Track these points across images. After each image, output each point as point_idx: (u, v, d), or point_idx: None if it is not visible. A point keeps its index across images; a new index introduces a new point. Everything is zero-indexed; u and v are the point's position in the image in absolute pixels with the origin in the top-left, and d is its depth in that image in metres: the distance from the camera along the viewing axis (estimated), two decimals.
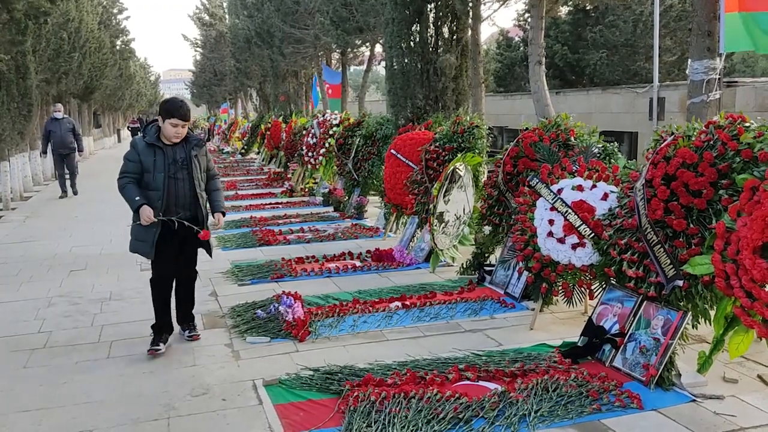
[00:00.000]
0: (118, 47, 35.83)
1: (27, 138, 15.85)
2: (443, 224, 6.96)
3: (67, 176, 14.67)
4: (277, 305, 5.50)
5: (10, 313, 5.96)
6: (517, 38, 25.74)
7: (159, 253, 4.79)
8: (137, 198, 4.65)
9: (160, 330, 4.97)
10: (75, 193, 14.66)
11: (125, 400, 4.09)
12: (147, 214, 4.60)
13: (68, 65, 19.50)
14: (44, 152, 15.35)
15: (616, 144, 5.89)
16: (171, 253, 4.88)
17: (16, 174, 14.82)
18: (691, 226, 4.00)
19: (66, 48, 18.91)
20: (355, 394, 3.87)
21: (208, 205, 5.03)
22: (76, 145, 14.67)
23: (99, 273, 7.39)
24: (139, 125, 42.36)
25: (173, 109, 4.70)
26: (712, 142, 4.10)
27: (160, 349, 4.82)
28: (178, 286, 5.14)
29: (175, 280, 5.08)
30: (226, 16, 42.58)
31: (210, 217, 5.06)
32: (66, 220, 11.17)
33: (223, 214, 5.13)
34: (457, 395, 3.84)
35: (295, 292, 5.72)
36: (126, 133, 47.96)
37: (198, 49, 49.27)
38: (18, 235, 10.08)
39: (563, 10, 22.31)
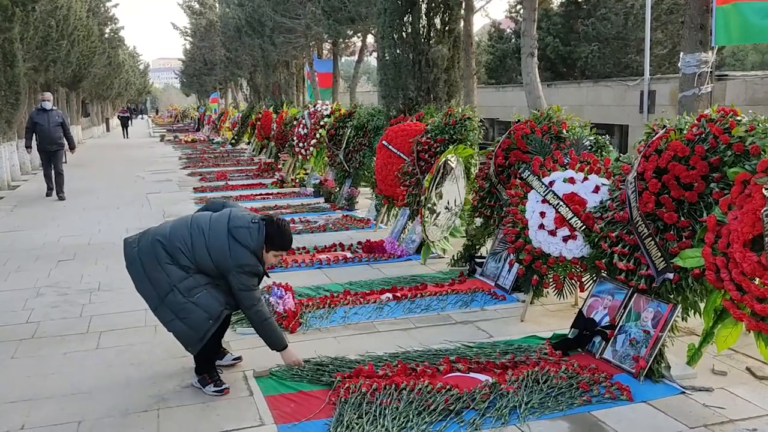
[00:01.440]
0: (106, 35, 35.47)
1: (15, 126, 15.66)
2: (434, 216, 6.95)
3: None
4: (267, 296, 5.47)
5: None
6: (508, 30, 25.72)
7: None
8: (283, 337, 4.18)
9: (213, 367, 4.16)
10: (61, 197, 12.43)
11: (114, 392, 4.06)
12: (294, 354, 4.19)
13: (56, 53, 19.30)
14: (28, 146, 13.35)
15: (607, 137, 5.90)
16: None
17: (3, 163, 14.68)
18: (682, 219, 4.01)
19: (54, 36, 18.71)
20: (346, 385, 3.86)
21: None
22: (64, 142, 12.83)
23: (87, 263, 7.33)
24: (129, 114, 41.98)
25: (286, 243, 4.09)
26: (703, 136, 4.10)
27: (227, 386, 4.06)
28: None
29: None
30: (216, 5, 42.30)
31: None
32: (54, 210, 11.08)
33: None
34: (448, 387, 3.85)
35: (286, 283, 5.70)
36: (115, 122, 47.63)
37: (188, 37, 48.94)
38: (5, 224, 9.99)
39: (555, 2, 22.31)
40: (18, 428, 3.66)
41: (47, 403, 3.94)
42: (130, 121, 40.00)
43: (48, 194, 12.71)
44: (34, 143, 12.85)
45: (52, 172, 12.67)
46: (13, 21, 11.77)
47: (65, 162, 14.77)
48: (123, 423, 3.69)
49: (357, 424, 3.48)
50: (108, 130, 45.07)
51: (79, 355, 4.67)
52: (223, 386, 4.01)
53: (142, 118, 68.39)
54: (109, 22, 36.74)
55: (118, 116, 43.46)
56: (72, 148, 13.48)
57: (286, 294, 5.42)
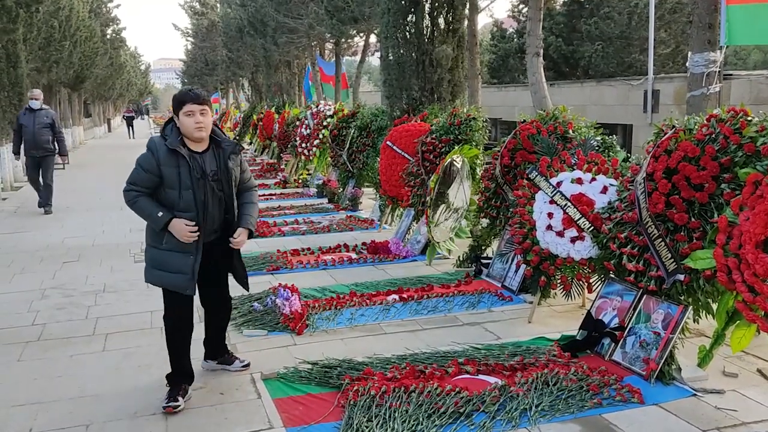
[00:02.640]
0: (108, 36, 35.49)
1: None
2: (440, 216, 6.92)
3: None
4: (274, 298, 5.46)
5: (3, 305, 5.88)
6: (510, 29, 25.66)
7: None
8: (160, 213, 3.69)
9: (180, 380, 3.95)
10: (47, 211, 10.86)
11: (122, 394, 4.04)
12: (186, 228, 3.70)
13: (59, 54, 19.31)
14: (16, 152, 11.43)
15: (614, 137, 5.87)
16: (203, 287, 4.11)
17: (6, 164, 14.67)
18: (693, 220, 3.98)
19: (57, 36, 18.72)
20: (355, 388, 3.84)
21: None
22: (54, 147, 11.07)
23: (92, 264, 7.31)
24: (134, 115, 41.81)
25: (181, 95, 3.78)
26: (714, 136, 4.07)
27: (179, 405, 3.78)
28: (212, 317, 4.28)
29: (206, 311, 4.28)
30: (218, 5, 42.28)
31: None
32: (57, 212, 11.05)
33: (251, 234, 4.03)
34: (457, 389, 3.82)
35: (292, 285, 5.68)
36: (117, 122, 47.61)
37: (189, 38, 48.97)
38: (9, 226, 9.98)
39: (558, 1, 22.27)
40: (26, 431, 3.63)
41: (54, 405, 3.92)
42: (134, 121, 40.02)
43: (41, 203, 11.02)
44: (23, 148, 11.08)
45: (40, 178, 11.02)
46: (17, 22, 11.76)
47: (62, 168, 13.50)
48: (131, 426, 3.67)
49: (367, 427, 3.46)
50: (110, 130, 45.07)
51: (85, 358, 4.65)
52: (174, 403, 3.76)
53: (142, 119, 68.33)
54: (110, 23, 36.78)
55: (124, 116, 43.46)
56: (63, 154, 11.44)
57: (292, 296, 5.39)
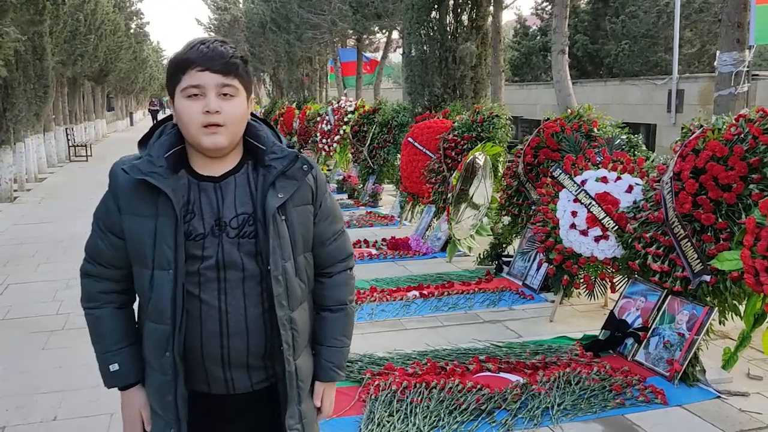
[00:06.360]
0: (132, 30, 35.83)
1: (42, 119, 15.86)
2: (461, 214, 6.91)
3: None
4: None
5: (29, 295, 5.97)
6: (534, 27, 25.49)
7: None
8: (115, 365, 1.89)
9: None
10: None
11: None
12: (134, 413, 1.92)
13: (84, 47, 19.50)
14: None
15: (640, 136, 5.81)
16: None
17: (31, 155, 14.87)
18: (720, 220, 3.93)
19: (82, 30, 18.92)
20: (376, 382, 3.84)
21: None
22: None
23: None
24: (158, 108, 41.26)
25: (181, 53, 1.72)
26: (742, 136, 4.01)
27: None
28: None
29: None
30: (241, 1, 42.45)
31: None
32: (81, 201, 11.18)
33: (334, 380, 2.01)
34: (478, 386, 3.81)
35: None
36: (139, 116, 47.94)
37: (211, 33, 49.21)
38: (34, 216, 10.12)
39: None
40: (50, 419, 3.69)
41: (79, 394, 3.97)
42: (159, 115, 40.31)
43: None
44: None
45: None
46: (44, 14, 11.88)
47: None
48: None
49: (388, 421, 3.46)
50: (132, 124, 45.46)
51: None
52: None
53: (164, 113, 68.80)
54: (134, 17, 37.11)
55: (149, 109, 43.72)
56: None
57: None
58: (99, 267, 1.85)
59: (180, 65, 1.70)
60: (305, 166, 1.80)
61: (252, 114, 1.82)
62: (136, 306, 1.88)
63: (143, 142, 1.83)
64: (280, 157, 1.77)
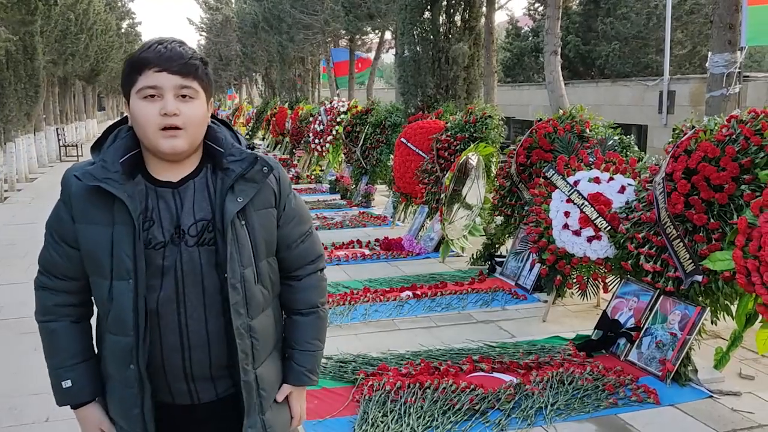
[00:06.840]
0: (123, 30, 35.73)
1: (33, 119, 15.78)
2: (454, 214, 6.92)
3: None
4: None
5: (18, 296, 5.93)
6: (526, 28, 25.53)
7: None
8: (68, 382, 1.85)
9: None
10: None
11: None
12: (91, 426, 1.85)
13: (75, 47, 19.44)
14: None
15: (632, 137, 5.84)
16: None
17: (21, 155, 14.79)
18: (712, 221, 3.95)
19: (73, 29, 18.85)
20: (370, 383, 3.84)
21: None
22: None
23: None
24: None
25: (137, 54, 1.66)
26: (734, 137, 4.04)
27: None
28: None
29: None
30: (233, 0, 42.37)
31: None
32: None
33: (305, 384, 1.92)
34: (472, 386, 3.82)
35: None
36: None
37: (203, 33, 49.04)
38: (24, 216, 10.06)
39: (575, 0, 22.15)
40: (43, 420, 3.67)
41: None
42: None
43: None
44: None
45: None
46: (35, 14, 11.82)
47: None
48: None
49: (382, 422, 3.46)
50: None
51: None
52: None
53: None
54: (126, 17, 37.00)
55: None
56: None
57: None
58: (54, 279, 1.80)
59: (135, 65, 1.64)
60: (265, 168, 1.74)
61: (212, 116, 1.78)
62: (93, 320, 1.81)
63: (96, 147, 1.73)
64: (238, 160, 1.72)
